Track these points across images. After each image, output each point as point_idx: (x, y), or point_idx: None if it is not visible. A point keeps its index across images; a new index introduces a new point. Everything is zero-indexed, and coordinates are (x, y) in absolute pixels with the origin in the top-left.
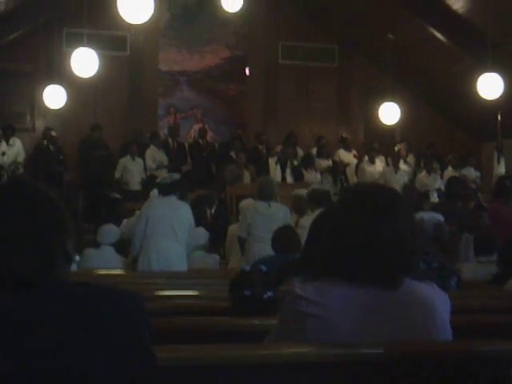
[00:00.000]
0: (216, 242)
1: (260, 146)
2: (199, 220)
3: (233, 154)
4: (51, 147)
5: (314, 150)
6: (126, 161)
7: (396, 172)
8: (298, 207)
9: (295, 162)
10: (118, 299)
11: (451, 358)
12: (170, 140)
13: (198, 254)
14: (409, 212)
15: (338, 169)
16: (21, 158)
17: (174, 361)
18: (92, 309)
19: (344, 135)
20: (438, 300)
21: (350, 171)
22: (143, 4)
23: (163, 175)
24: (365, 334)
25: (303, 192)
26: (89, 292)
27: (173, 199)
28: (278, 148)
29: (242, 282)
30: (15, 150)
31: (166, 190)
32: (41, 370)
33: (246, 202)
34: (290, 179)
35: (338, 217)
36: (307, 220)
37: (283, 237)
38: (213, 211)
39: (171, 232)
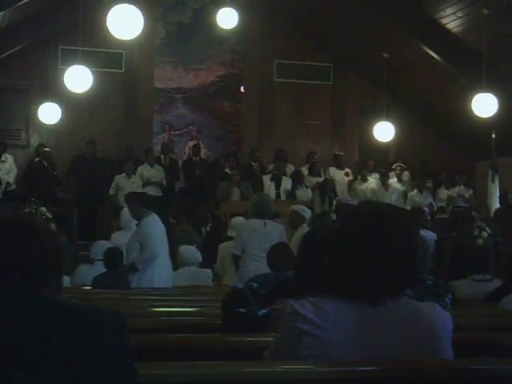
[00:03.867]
0: (211, 259)
1: (254, 164)
2: (194, 238)
3: (227, 170)
4: (45, 163)
5: (305, 168)
6: (120, 178)
7: (386, 190)
8: (294, 222)
9: (289, 180)
10: (98, 317)
11: (446, 376)
12: (163, 157)
13: (191, 270)
14: (412, 229)
15: (326, 187)
16: (13, 174)
17: (168, 377)
18: (74, 327)
19: (337, 153)
20: (440, 320)
21: (339, 189)
22: (133, 20)
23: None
24: (362, 355)
25: (299, 207)
26: (72, 311)
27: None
28: (271, 166)
29: (236, 300)
30: (7, 166)
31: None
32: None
33: (239, 220)
34: (284, 196)
35: (340, 234)
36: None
37: (278, 254)
38: (208, 228)
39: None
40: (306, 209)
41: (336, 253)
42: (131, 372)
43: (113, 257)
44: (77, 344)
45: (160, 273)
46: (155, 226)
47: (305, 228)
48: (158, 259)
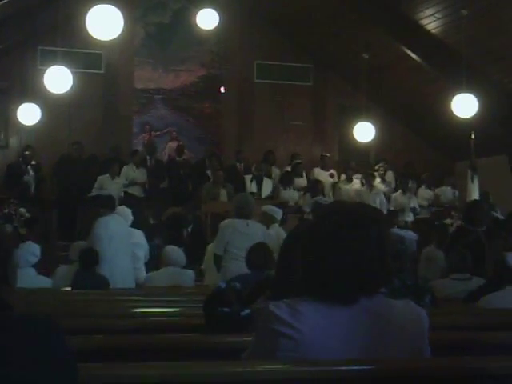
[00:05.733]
0: (193, 260)
1: (238, 164)
2: (175, 239)
3: (209, 172)
4: (23, 166)
5: (289, 169)
6: (103, 179)
7: (370, 191)
8: (263, 222)
9: (270, 181)
10: (34, 324)
11: (426, 375)
12: (148, 158)
13: (172, 271)
14: (384, 229)
15: (316, 187)
16: None
17: (148, 378)
18: (13, 333)
19: (323, 154)
20: (415, 317)
21: (325, 190)
22: (112, 21)
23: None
24: (339, 355)
25: (268, 208)
26: (8, 320)
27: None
28: (254, 166)
29: (219, 300)
30: None
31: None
32: None
33: (225, 220)
34: (264, 196)
35: (313, 235)
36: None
37: (257, 254)
38: (189, 229)
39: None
40: (276, 209)
41: (307, 254)
42: (71, 372)
43: (88, 257)
44: (17, 351)
45: (117, 273)
46: (106, 226)
47: (276, 227)
48: (116, 259)
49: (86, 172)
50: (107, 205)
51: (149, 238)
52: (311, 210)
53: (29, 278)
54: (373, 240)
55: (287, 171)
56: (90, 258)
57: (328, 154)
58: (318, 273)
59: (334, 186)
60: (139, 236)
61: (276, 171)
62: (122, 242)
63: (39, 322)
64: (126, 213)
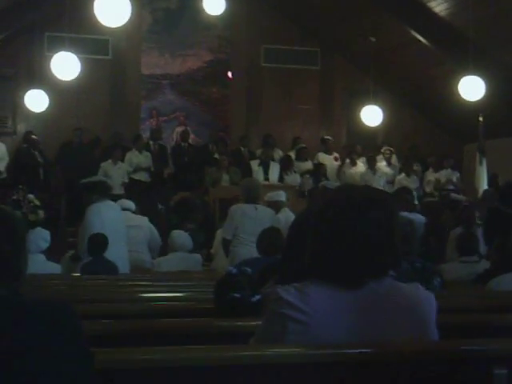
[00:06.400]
0: (201, 245)
1: (243, 149)
2: (182, 223)
3: (216, 156)
4: (32, 150)
5: (292, 153)
6: (106, 165)
7: (374, 174)
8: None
9: (277, 165)
10: (48, 308)
11: (435, 357)
12: (152, 143)
13: (180, 256)
14: (393, 212)
15: (319, 171)
16: (4, 162)
17: (158, 362)
18: (28, 319)
19: (325, 137)
20: (424, 300)
21: (330, 173)
22: (120, 8)
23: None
24: (348, 338)
25: (269, 197)
26: (24, 305)
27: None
28: (259, 151)
29: (230, 285)
30: None
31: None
32: None
33: (234, 205)
34: (272, 181)
35: (321, 218)
36: None
37: (268, 239)
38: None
39: None
40: (277, 193)
41: (316, 237)
42: (86, 356)
43: (97, 243)
44: (32, 335)
45: (113, 260)
46: (98, 212)
47: (285, 211)
48: (110, 246)
49: (88, 158)
50: (99, 191)
51: (179, 223)
52: (319, 195)
53: (38, 263)
54: (381, 223)
55: (286, 155)
56: (99, 244)
57: (330, 137)
58: (326, 256)
59: (339, 169)
60: (141, 219)
61: (279, 153)
62: (114, 228)
63: (55, 307)
64: (128, 205)
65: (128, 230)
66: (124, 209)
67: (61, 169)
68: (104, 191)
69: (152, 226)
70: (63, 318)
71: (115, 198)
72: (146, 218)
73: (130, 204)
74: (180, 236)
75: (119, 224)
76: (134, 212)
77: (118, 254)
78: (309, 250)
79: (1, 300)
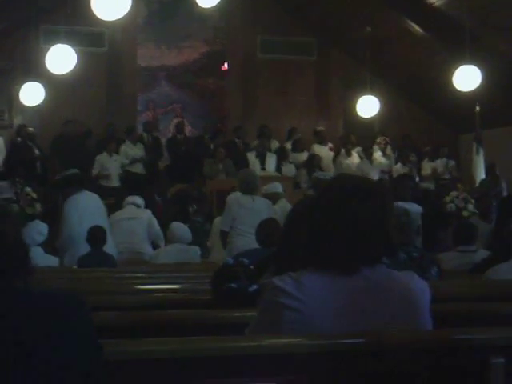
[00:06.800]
0: (199, 236)
1: (237, 140)
2: (181, 215)
3: (211, 147)
4: (28, 143)
5: (288, 144)
6: (102, 158)
7: (371, 164)
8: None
9: (274, 156)
10: (60, 300)
11: (430, 346)
12: (145, 135)
13: (178, 247)
14: (387, 201)
15: (313, 163)
16: (2, 155)
17: (157, 354)
18: (40, 311)
19: (318, 128)
20: (418, 288)
21: (325, 164)
22: (117, 1)
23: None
24: (342, 326)
25: (266, 189)
26: (36, 296)
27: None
28: (255, 142)
29: (227, 275)
30: None
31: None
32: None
33: (232, 196)
34: (269, 172)
35: (317, 206)
36: None
37: (266, 230)
38: (195, 206)
39: None
40: (272, 185)
41: (311, 226)
42: (96, 348)
43: (95, 235)
44: (43, 327)
45: None
46: (76, 204)
47: (283, 202)
48: None
49: (81, 150)
50: (75, 183)
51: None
52: (312, 186)
53: (36, 256)
54: (375, 211)
55: (281, 146)
56: (96, 237)
57: (322, 128)
58: (321, 243)
59: (335, 160)
60: (140, 212)
61: (276, 144)
62: (93, 219)
63: (65, 299)
64: (132, 200)
65: (128, 222)
66: (129, 203)
67: (59, 162)
68: (79, 182)
69: (152, 217)
70: (77, 310)
71: (114, 191)
72: (147, 211)
73: (135, 199)
74: (179, 228)
75: (99, 214)
76: (138, 206)
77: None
78: (306, 236)
79: (19, 293)
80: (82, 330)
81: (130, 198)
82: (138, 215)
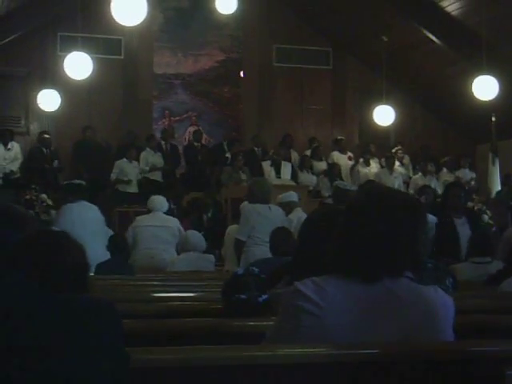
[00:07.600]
0: (213, 245)
1: (256, 149)
2: (195, 223)
3: (228, 155)
4: (45, 150)
5: (308, 153)
6: (122, 163)
7: (391, 174)
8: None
9: (289, 165)
10: (92, 305)
11: (447, 358)
12: (163, 143)
13: (193, 256)
14: (420, 218)
15: (334, 171)
16: (18, 162)
17: (169, 362)
18: (72, 314)
19: (339, 137)
20: (440, 303)
21: (345, 173)
22: (136, 6)
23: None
24: (360, 335)
25: (280, 199)
26: (70, 301)
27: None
28: (272, 151)
29: (237, 286)
30: (12, 154)
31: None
32: (27, 368)
33: (247, 205)
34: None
35: (349, 214)
36: None
37: (280, 239)
38: (209, 214)
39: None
40: (288, 194)
41: (341, 233)
42: (124, 356)
43: (116, 243)
44: (74, 331)
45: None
46: (69, 213)
47: (298, 211)
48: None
49: (102, 157)
50: (75, 192)
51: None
52: (331, 195)
53: None
54: (407, 227)
55: (306, 155)
56: (116, 245)
57: (343, 137)
58: (347, 251)
59: (353, 168)
60: (169, 220)
61: (295, 154)
62: (85, 228)
63: (104, 306)
64: (161, 202)
65: (154, 229)
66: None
67: (82, 167)
68: (79, 193)
69: (181, 226)
70: (110, 316)
71: (131, 196)
72: (175, 219)
73: (162, 206)
74: (194, 236)
75: (95, 224)
76: (165, 213)
77: (97, 255)
78: (329, 244)
79: (57, 299)
80: (114, 336)
81: (158, 205)
82: (164, 223)
